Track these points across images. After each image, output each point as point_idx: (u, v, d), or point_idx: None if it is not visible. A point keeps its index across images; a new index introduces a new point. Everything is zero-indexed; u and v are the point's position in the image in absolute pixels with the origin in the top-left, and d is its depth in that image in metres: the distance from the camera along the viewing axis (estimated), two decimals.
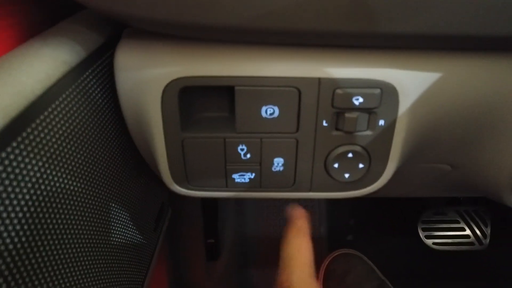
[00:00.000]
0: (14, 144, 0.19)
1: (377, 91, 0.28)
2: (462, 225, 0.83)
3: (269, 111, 0.29)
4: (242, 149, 0.30)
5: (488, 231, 0.83)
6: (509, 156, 0.32)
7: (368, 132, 0.30)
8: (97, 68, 0.28)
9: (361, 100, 0.28)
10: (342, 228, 0.86)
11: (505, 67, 0.28)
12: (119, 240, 0.34)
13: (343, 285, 0.71)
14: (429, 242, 0.82)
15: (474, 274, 0.84)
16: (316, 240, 0.85)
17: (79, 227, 0.26)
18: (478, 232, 0.83)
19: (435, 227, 0.84)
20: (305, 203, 0.86)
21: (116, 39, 0.29)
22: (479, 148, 0.33)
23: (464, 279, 0.83)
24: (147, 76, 0.27)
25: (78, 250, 0.26)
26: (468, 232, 0.83)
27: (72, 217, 0.25)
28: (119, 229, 0.34)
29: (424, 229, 0.83)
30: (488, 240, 0.82)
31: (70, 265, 0.26)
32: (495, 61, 0.28)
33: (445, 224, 0.84)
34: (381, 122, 0.29)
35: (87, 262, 0.28)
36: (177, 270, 0.75)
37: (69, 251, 0.25)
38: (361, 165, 0.31)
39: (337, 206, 0.86)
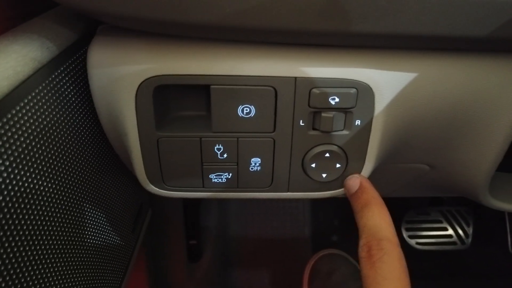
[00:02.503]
0: None
1: (353, 91, 0.28)
2: (445, 225, 0.84)
3: (245, 110, 0.29)
4: (218, 149, 0.30)
5: (470, 230, 0.84)
6: (485, 156, 0.33)
7: (345, 132, 0.30)
8: (70, 66, 0.28)
9: (337, 99, 0.28)
10: (327, 229, 0.86)
11: (480, 67, 0.29)
12: (93, 241, 0.33)
13: (329, 285, 0.71)
14: (412, 242, 0.83)
15: (456, 273, 0.85)
16: (300, 241, 0.86)
17: (49, 227, 0.26)
18: (460, 231, 0.84)
19: (418, 227, 0.84)
20: (290, 203, 0.86)
21: (91, 36, 0.28)
22: (456, 148, 0.34)
23: (447, 278, 0.84)
24: (120, 74, 0.27)
25: (49, 251, 0.26)
26: (450, 231, 0.84)
27: (42, 217, 0.25)
28: (93, 230, 0.33)
29: (407, 229, 0.84)
30: (470, 240, 0.83)
31: (40, 267, 0.25)
32: (470, 61, 0.29)
33: (428, 224, 0.85)
34: (358, 122, 0.29)
35: (58, 263, 0.27)
36: (158, 271, 0.74)
37: (38, 252, 0.25)
38: (338, 165, 0.31)
39: (322, 206, 0.87)
